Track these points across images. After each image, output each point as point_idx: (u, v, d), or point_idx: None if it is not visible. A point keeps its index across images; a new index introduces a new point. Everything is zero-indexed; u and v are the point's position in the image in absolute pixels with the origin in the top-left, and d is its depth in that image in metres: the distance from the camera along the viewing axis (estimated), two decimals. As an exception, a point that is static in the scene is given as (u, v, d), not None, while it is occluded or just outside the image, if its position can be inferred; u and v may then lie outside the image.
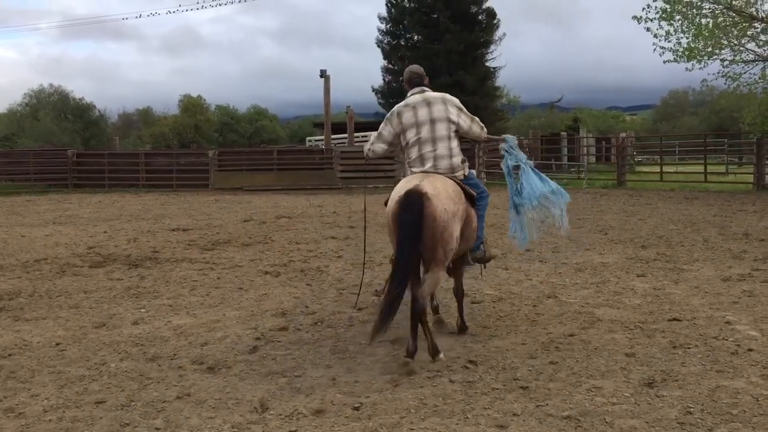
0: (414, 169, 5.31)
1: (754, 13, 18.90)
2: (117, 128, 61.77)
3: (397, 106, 5.47)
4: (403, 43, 37.25)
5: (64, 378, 4.72)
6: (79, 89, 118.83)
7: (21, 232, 13.07)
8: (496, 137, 5.87)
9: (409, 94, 5.50)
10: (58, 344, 5.52)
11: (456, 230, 4.88)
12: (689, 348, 5.07)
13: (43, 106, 57.14)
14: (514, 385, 4.39)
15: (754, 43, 19.39)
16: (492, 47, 36.75)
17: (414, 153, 5.31)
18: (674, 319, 5.85)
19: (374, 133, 5.65)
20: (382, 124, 5.51)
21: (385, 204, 5.14)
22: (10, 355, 5.27)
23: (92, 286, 7.83)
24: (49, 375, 4.79)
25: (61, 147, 35.95)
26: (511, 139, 5.69)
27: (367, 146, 5.68)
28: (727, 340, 5.25)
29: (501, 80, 39.41)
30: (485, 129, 5.65)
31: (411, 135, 5.31)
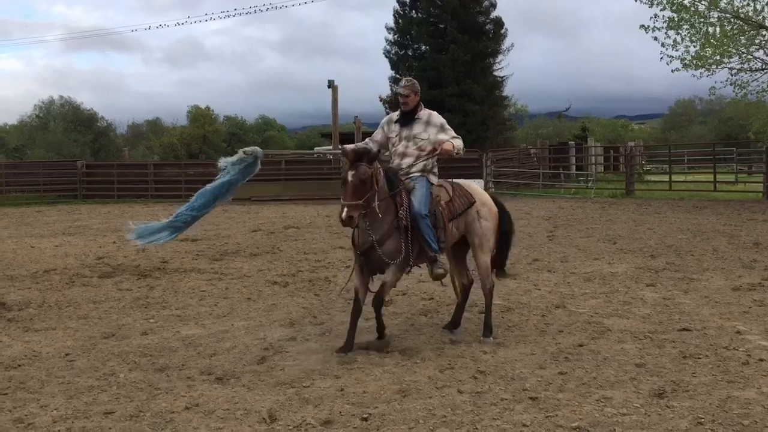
0: (432, 175, 5.70)
1: (762, 21, 18.87)
2: (126, 139, 62.11)
3: None
4: (410, 54, 37.36)
5: (73, 388, 4.74)
6: (85, 101, 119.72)
7: (31, 243, 13.15)
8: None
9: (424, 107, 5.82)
10: (67, 355, 5.55)
11: None
12: (699, 358, 5.05)
13: (53, 118, 57.55)
14: (523, 395, 4.38)
15: (762, 51, 19.37)
16: (500, 57, 36.79)
17: None
18: (684, 329, 5.82)
19: (450, 133, 5.71)
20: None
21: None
22: (19, 365, 5.29)
23: (101, 296, 7.86)
24: (58, 385, 4.81)
25: (71, 158, 36.19)
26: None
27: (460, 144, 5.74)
28: (737, 350, 5.22)
29: (508, 90, 39.40)
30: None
31: None
